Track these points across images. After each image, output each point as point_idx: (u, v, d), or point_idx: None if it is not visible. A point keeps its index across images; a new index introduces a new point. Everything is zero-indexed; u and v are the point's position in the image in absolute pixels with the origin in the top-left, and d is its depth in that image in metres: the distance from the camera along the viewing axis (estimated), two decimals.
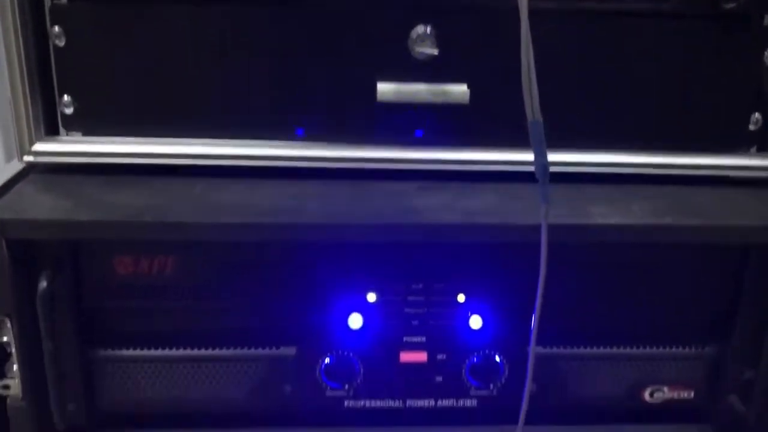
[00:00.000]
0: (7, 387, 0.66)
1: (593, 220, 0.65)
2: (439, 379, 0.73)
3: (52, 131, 0.70)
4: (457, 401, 0.74)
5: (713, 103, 0.72)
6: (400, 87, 0.68)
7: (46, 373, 0.66)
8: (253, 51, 0.68)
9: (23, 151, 0.69)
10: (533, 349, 0.63)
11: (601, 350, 0.73)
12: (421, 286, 0.70)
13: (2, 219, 0.60)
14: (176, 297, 0.68)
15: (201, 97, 0.69)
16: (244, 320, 0.70)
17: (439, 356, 0.72)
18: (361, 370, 0.72)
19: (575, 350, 0.73)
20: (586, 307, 0.71)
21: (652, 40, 0.69)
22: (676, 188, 0.72)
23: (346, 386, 0.72)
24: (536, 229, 0.58)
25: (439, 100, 0.69)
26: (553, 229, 0.59)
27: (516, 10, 0.55)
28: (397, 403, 0.74)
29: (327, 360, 0.71)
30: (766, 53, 0.70)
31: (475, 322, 0.71)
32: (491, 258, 0.69)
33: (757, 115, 0.72)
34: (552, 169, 0.57)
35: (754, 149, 0.74)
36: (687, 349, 0.73)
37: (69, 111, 0.70)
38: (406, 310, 0.70)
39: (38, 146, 0.69)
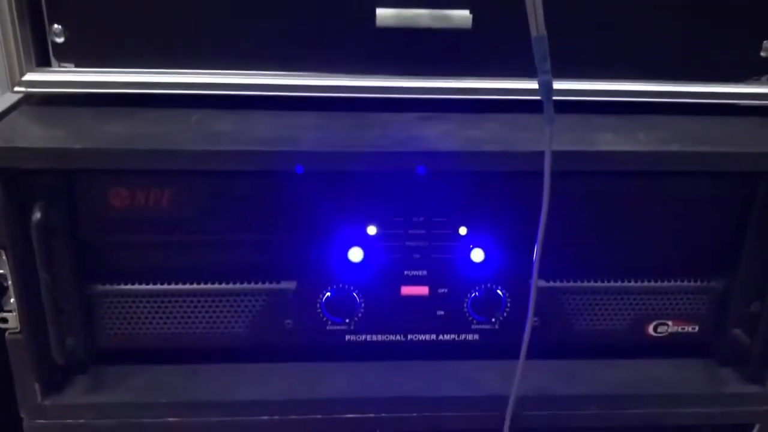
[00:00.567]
0: (4, 320, 0.66)
1: (598, 147, 0.63)
2: (440, 313, 0.72)
3: (44, 63, 0.69)
4: (458, 335, 0.73)
5: (723, 30, 0.69)
6: (400, 12, 0.66)
7: (43, 307, 0.65)
8: None
9: (13, 81, 0.67)
10: (535, 283, 0.62)
11: (605, 284, 0.72)
12: (422, 218, 0.69)
13: None
14: (174, 231, 0.67)
15: (196, 26, 0.67)
16: (244, 254, 0.69)
17: (441, 290, 0.71)
18: (362, 304, 0.71)
19: (578, 284, 0.72)
20: (590, 240, 0.70)
21: None
22: (684, 118, 0.70)
23: (347, 320, 0.72)
24: (540, 156, 0.57)
25: (440, 25, 0.66)
26: (557, 155, 0.57)
27: None
28: (398, 338, 0.73)
29: (327, 294, 0.70)
30: None
31: (477, 255, 0.70)
32: (493, 189, 0.68)
33: None
34: (557, 97, 0.55)
35: (765, 77, 0.71)
36: (692, 283, 0.72)
37: (60, 40, 0.68)
38: (407, 243, 0.69)
39: (29, 77, 0.67)
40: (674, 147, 0.63)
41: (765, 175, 0.66)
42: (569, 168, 0.62)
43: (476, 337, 0.74)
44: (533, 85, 0.56)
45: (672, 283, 0.72)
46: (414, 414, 0.71)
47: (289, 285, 0.70)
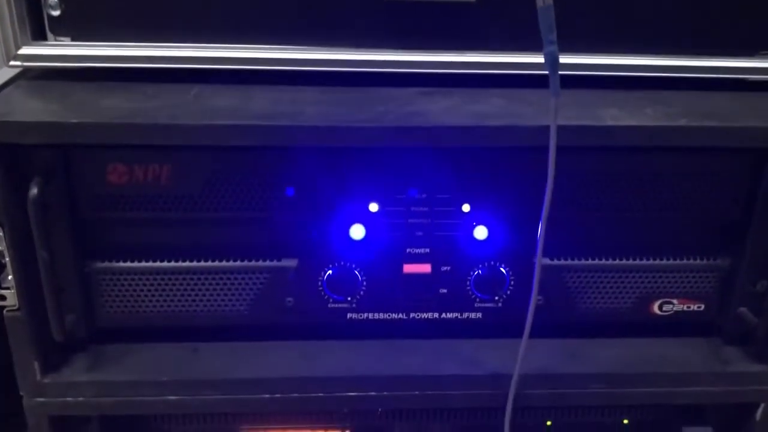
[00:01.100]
0: (3, 298, 0.65)
1: (604, 121, 0.62)
2: (443, 291, 0.71)
3: (40, 37, 0.67)
4: (461, 314, 0.73)
5: (732, 4, 0.68)
6: None
7: (42, 285, 0.64)
8: None
9: (9, 55, 0.66)
10: (539, 261, 0.61)
11: (610, 262, 0.71)
12: (424, 195, 0.68)
13: None
14: (173, 208, 0.66)
15: None
16: (244, 231, 0.68)
17: (444, 268, 0.70)
18: (364, 282, 0.70)
19: (583, 262, 0.71)
20: (595, 217, 0.69)
21: None
22: (693, 93, 0.69)
23: (349, 298, 0.71)
24: (545, 130, 0.56)
25: None
26: (562, 130, 0.56)
27: None
28: (400, 316, 0.72)
29: (329, 272, 0.70)
30: None
31: (481, 232, 0.69)
32: (497, 166, 0.66)
33: None
34: (563, 72, 0.54)
35: None
36: (698, 261, 0.71)
37: (56, 13, 0.66)
38: (410, 220, 0.68)
39: (25, 50, 0.66)
40: (681, 122, 0.62)
41: None
42: (575, 143, 0.61)
43: (479, 315, 0.73)
44: (539, 59, 0.55)
45: (678, 261, 0.71)
46: (416, 392, 0.71)
47: (290, 262, 0.69)
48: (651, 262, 0.71)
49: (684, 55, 0.69)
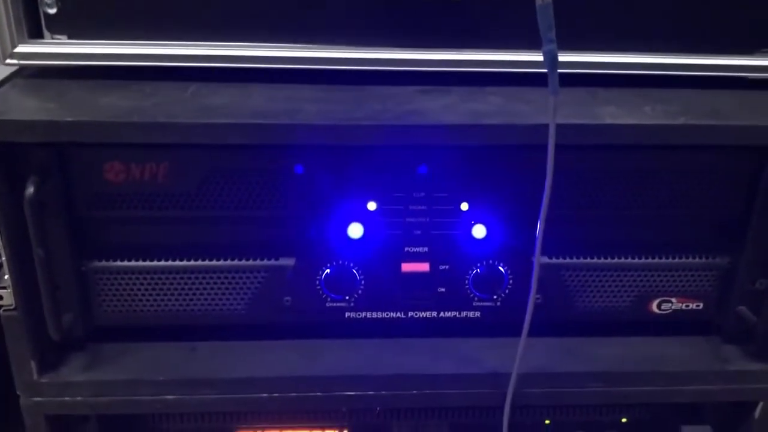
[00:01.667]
0: None
1: (603, 120, 0.61)
2: (441, 290, 0.71)
3: (36, 35, 0.67)
4: (459, 312, 0.72)
5: (732, 2, 0.68)
6: None
7: (39, 284, 0.64)
8: None
9: (5, 54, 0.65)
10: (538, 259, 0.61)
11: (609, 260, 0.71)
12: (422, 194, 0.67)
13: None
14: (170, 206, 0.66)
15: None
16: (242, 230, 0.68)
17: (442, 267, 0.70)
18: (362, 281, 0.70)
19: (581, 260, 0.71)
20: (594, 216, 0.69)
21: None
22: (692, 91, 0.69)
23: (347, 297, 0.71)
24: (544, 129, 0.56)
25: None
26: (561, 128, 0.56)
27: None
28: (398, 315, 0.72)
29: (327, 271, 0.69)
30: None
31: (479, 231, 0.69)
32: (495, 164, 0.66)
33: None
34: (562, 70, 0.54)
35: None
36: (697, 259, 0.71)
37: (52, 11, 0.66)
38: (408, 219, 0.68)
39: (21, 48, 0.65)
40: (680, 120, 0.62)
41: None
42: (573, 141, 0.61)
43: (477, 314, 0.73)
44: (537, 57, 0.54)
45: (676, 260, 0.71)
46: (414, 391, 0.71)
47: (288, 261, 0.69)
48: (650, 260, 0.71)
49: (683, 53, 0.69)
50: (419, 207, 0.68)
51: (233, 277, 0.69)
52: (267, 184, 0.65)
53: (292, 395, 0.70)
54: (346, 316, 0.72)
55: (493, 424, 0.74)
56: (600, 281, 0.71)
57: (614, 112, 0.63)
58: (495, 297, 0.72)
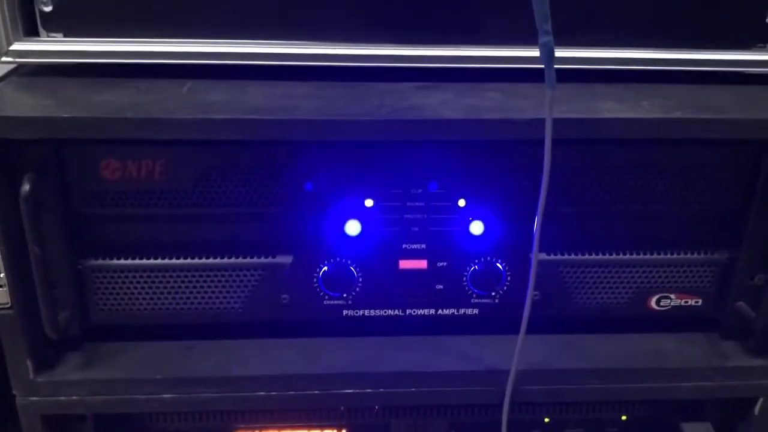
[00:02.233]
0: None
1: (600, 114, 0.61)
2: (439, 287, 0.71)
3: (32, 33, 0.67)
4: (458, 310, 0.72)
5: None
6: None
7: (35, 282, 0.63)
8: None
9: (0, 52, 0.65)
10: (536, 256, 0.61)
11: (607, 256, 0.71)
12: (420, 190, 0.67)
13: None
14: (166, 204, 0.65)
15: None
16: (239, 227, 0.68)
17: (440, 264, 0.70)
18: (360, 278, 0.70)
19: (579, 257, 0.70)
20: (592, 211, 0.69)
21: None
22: (689, 87, 0.69)
23: (345, 295, 0.70)
24: (541, 123, 0.55)
25: None
26: (558, 123, 0.56)
27: None
28: (396, 312, 0.72)
29: (325, 268, 0.69)
30: None
31: (477, 227, 0.68)
32: (493, 160, 0.66)
33: None
34: (559, 65, 0.54)
35: None
36: (695, 255, 0.71)
37: (48, 9, 0.66)
38: (405, 216, 0.68)
39: (17, 46, 0.65)
40: (677, 114, 0.62)
41: None
42: (571, 136, 0.60)
43: (476, 311, 0.72)
44: (534, 52, 0.54)
45: (675, 256, 0.71)
46: (413, 389, 0.70)
47: (285, 259, 0.69)
48: (648, 256, 0.71)
49: (680, 48, 0.69)
50: (417, 203, 0.68)
51: (230, 275, 0.69)
52: (263, 181, 0.65)
53: (290, 393, 0.70)
54: (344, 314, 0.72)
55: (493, 421, 0.73)
56: (598, 277, 0.71)
57: (612, 107, 0.63)
58: (493, 294, 0.71)
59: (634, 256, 0.71)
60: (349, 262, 0.69)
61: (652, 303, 0.72)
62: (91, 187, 0.64)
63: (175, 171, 0.64)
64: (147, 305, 0.69)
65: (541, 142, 0.56)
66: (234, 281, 0.69)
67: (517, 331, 0.64)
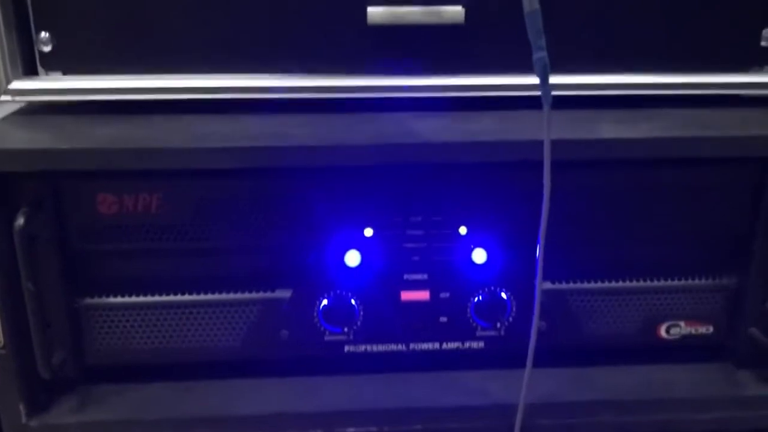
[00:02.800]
0: None
1: (599, 134, 0.61)
2: (443, 319, 0.69)
3: (31, 72, 0.68)
4: (462, 343, 0.70)
5: (723, 20, 0.68)
6: (392, 9, 0.65)
7: (29, 321, 0.62)
8: None
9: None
10: (540, 285, 0.60)
11: (614, 284, 0.69)
12: (420, 218, 0.66)
13: None
14: (163, 238, 0.65)
15: (183, 31, 0.66)
16: (236, 262, 0.67)
17: (442, 294, 0.69)
18: (361, 311, 0.68)
19: (586, 284, 0.69)
20: (597, 237, 0.68)
21: None
22: (686, 110, 0.69)
23: (346, 329, 0.69)
24: (539, 144, 0.55)
25: (432, 21, 0.65)
26: (557, 144, 0.55)
27: None
28: (399, 347, 0.70)
29: (324, 302, 0.68)
30: None
31: (479, 255, 0.67)
32: (493, 185, 0.65)
33: None
34: (556, 92, 0.54)
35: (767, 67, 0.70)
36: (704, 281, 0.69)
37: (47, 49, 0.67)
38: (406, 245, 0.67)
39: (15, 84, 0.66)
40: (677, 133, 0.61)
41: None
42: (570, 157, 0.60)
43: (481, 344, 0.70)
44: (529, 80, 0.54)
45: (683, 282, 0.69)
46: (418, 426, 0.68)
47: (283, 293, 0.68)
48: (655, 283, 0.69)
49: (677, 71, 0.69)
50: (417, 232, 0.67)
51: (228, 311, 0.68)
52: (261, 213, 0.64)
53: None
54: (346, 350, 0.70)
55: None
56: (605, 306, 0.69)
57: (611, 129, 0.62)
58: (498, 325, 0.70)
59: (642, 283, 0.69)
60: (349, 294, 0.68)
61: (662, 332, 0.71)
62: (87, 222, 0.63)
63: (172, 204, 0.64)
64: (144, 344, 0.68)
65: (541, 163, 0.55)
66: (232, 317, 0.68)
67: (524, 365, 0.62)
